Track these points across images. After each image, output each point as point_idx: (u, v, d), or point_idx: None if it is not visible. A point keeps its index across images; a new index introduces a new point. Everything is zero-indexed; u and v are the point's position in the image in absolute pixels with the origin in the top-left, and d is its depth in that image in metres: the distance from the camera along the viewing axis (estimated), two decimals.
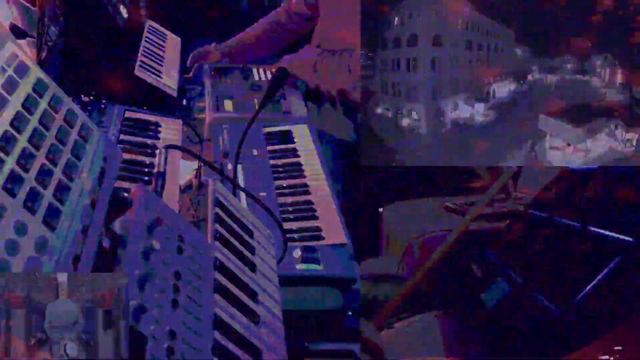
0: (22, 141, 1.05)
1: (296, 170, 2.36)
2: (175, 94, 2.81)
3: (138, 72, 2.73)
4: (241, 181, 2.21)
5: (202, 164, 1.97)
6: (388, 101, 2.37)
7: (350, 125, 2.93)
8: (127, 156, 2.17)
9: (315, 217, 2.10)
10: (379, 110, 2.40)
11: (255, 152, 2.42)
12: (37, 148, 1.07)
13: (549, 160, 2.17)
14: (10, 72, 1.11)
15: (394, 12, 2.33)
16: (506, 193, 2.74)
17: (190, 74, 3.03)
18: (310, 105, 3.05)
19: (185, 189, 2.01)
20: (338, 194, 2.28)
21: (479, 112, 2.29)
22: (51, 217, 1.01)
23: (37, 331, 0.82)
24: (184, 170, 2.18)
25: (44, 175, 1.05)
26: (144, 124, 2.51)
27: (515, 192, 2.77)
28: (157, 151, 2.25)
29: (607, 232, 1.75)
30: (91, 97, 2.52)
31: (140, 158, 2.25)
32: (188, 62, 3.05)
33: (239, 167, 2.19)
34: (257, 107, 2.08)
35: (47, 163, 1.08)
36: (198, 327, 1.10)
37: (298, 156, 2.44)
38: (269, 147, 2.49)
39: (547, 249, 2.02)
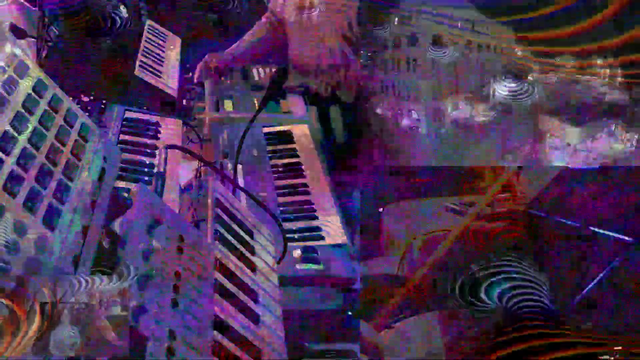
0: (22, 141, 1.05)
1: (296, 170, 2.36)
2: (175, 94, 2.81)
3: (138, 72, 2.73)
4: (241, 181, 2.21)
5: (202, 164, 1.97)
6: (388, 101, 2.37)
7: (346, 127, 2.94)
8: (127, 156, 2.17)
9: (315, 217, 2.10)
10: (379, 110, 2.40)
11: (255, 152, 2.42)
12: (37, 148, 1.07)
13: (549, 160, 2.17)
14: (10, 72, 1.11)
15: (394, 12, 2.34)
16: (511, 193, 2.74)
17: (194, 80, 3.03)
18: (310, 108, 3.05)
19: (185, 189, 2.00)
20: (338, 194, 2.28)
21: (479, 112, 2.29)
22: (51, 217, 1.01)
23: None
24: (184, 170, 2.18)
25: (44, 175, 1.05)
26: (144, 124, 2.50)
27: (518, 192, 2.77)
28: (157, 151, 2.26)
29: (607, 232, 1.75)
30: (91, 97, 2.52)
31: (140, 158, 2.25)
32: (195, 77, 3.05)
33: (239, 167, 2.19)
34: (257, 107, 2.09)
35: (47, 163, 1.08)
36: (198, 327, 1.10)
37: (298, 156, 2.44)
38: (269, 147, 2.48)
39: (547, 249, 2.02)
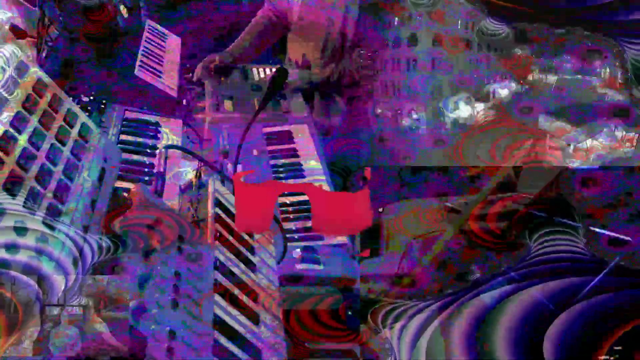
0: (22, 141, 1.05)
1: (296, 170, 2.36)
2: (175, 94, 2.81)
3: (138, 72, 2.73)
4: None
5: (202, 164, 1.98)
6: (388, 101, 2.37)
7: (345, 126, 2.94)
8: (127, 156, 2.17)
9: None
10: (379, 110, 2.40)
11: (255, 152, 2.42)
12: (37, 148, 1.07)
13: (549, 160, 2.17)
14: (10, 72, 1.11)
15: (393, 12, 2.34)
16: (510, 193, 2.74)
17: (194, 80, 3.03)
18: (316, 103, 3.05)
19: (185, 189, 2.01)
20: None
21: (479, 112, 2.29)
22: (51, 217, 1.01)
23: None
24: (184, 170, 2.17)
25: (44, 175, 1.05)
26: (144, 124, 2.50)
27: (517, 192, 2.77)
28: (157, 151, 2.26)
29: (607, 232, 1.75)
30: (91, 97, 2.52)
31: (140, 158, 2.25)
32: (195, 77, 3.05)
33: (239, 167, 2.19)
34: (257, 107, 2.09)
35: (47, 163, 1.08)
36: (198, 327, 1.10)
37: (298, 156, 2.44)
38: (269, 147, 2.48)
39: (547, 249, 2.02)
